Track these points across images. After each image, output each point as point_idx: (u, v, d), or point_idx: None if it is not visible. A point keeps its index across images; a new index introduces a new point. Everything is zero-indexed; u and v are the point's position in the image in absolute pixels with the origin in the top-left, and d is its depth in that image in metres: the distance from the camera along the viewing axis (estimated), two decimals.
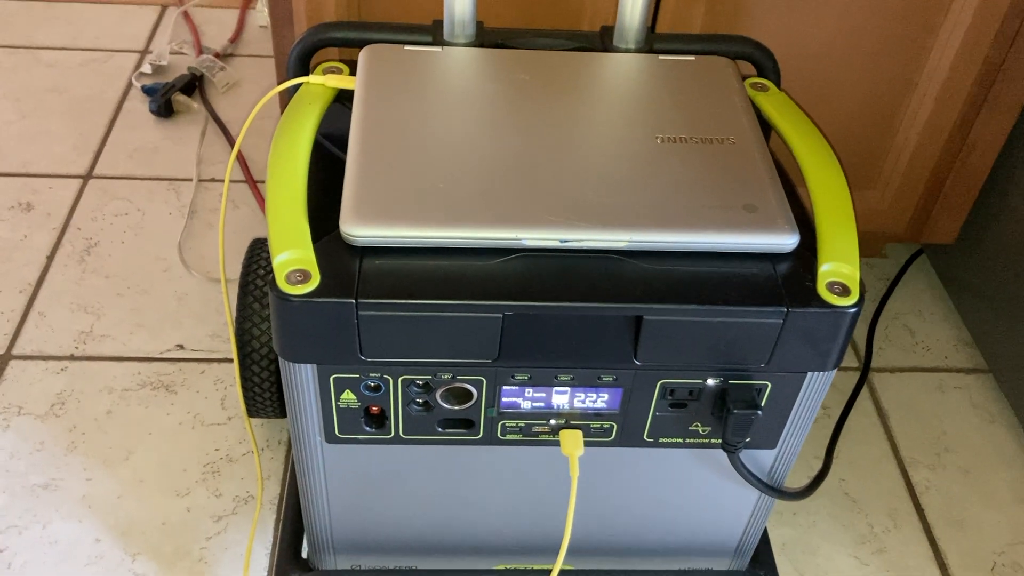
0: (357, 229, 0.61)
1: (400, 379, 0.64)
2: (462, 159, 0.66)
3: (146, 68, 1.49)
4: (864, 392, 1.11)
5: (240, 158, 1.35)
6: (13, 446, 0.98)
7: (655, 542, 0.80)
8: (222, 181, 1.32)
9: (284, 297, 0.59)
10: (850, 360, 1.15)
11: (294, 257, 0.61)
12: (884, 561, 0.96)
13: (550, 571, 0.72)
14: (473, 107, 0.71)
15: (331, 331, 0.61)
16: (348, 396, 0.65)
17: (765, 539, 0.87)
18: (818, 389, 0.67)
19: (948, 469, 1.04)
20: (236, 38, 1.59)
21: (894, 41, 0.98)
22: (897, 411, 1.10)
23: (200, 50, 1.54)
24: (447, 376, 0.65)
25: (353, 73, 0.75)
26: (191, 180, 1.32)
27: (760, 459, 0.73)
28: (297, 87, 0.74)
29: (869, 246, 1.25)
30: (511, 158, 0.66)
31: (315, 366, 0.63)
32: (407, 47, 0.76)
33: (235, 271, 1.18)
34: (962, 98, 1.02)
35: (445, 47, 0.76)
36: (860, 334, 1.18)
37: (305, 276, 0.60)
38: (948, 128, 1.05)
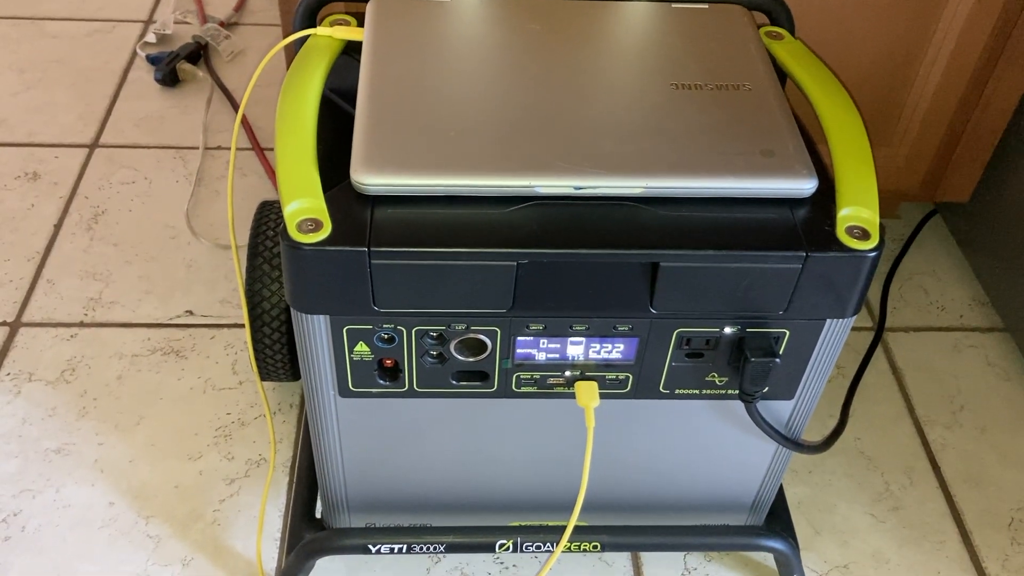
0: (368, 177, 0.60)
1: (414, 330, 0.64)
2: (474, 108, 0.65)
3: (150, 37, 1.48)
4: (879, 352, 1.11)
5: (247, 125, 1.34)
6: (25, 412, 0.98)
7: (671, 497, 0.80)
8: (228, 149, 1.31)
9: (295, 246, 0.58)
10: (864, 320, 1.14)
11: (305, 206, 0.60)
12: (901, 518, 0.95)
13: (564, 527, 0.71)
14: (484, 56, 0.69)
15: (343, 280, 0.60)
16: (362, 348, 0.65)
17: (781, 496, 0.87)
18: (837, 337, 0.66)
19: (964, 427, 1.04)
20: (240, 6, 1.57)
21: None
22: (912, 370, 1.09)
23: (204, 19, 1.52)
24: (461, 327, 0.64)
25: (361, 25, 0.74)
26: (197, 148, 1.31)
27: (777, 411, 0.72)
28: (304, 43, 0.73)
29: (883, 206, 1.23)
30: (523, 106, 0.65)
31: (328, 317, 0.63)
32: None
33: (243, 238, 1.17)
34: (977, 53, 1.01)
35: None
36: (874, 294, 1.17)
37: (316, 225, 0.59)
38: (963, 84, 1.03)
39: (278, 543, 0.89)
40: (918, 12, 0.98)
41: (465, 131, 0.63)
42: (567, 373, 0.67)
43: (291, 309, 0.63)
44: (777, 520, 0.85)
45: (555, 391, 0.69)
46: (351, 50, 0.73)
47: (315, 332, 0.64)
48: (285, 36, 0.99)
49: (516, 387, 0.68)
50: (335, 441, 0.73)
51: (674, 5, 0.75)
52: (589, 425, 0.67)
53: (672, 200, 0.62)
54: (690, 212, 0.62)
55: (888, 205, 1.25)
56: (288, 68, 0.70)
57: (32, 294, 1.10)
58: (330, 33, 0.72)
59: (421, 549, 0.81)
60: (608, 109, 0.65)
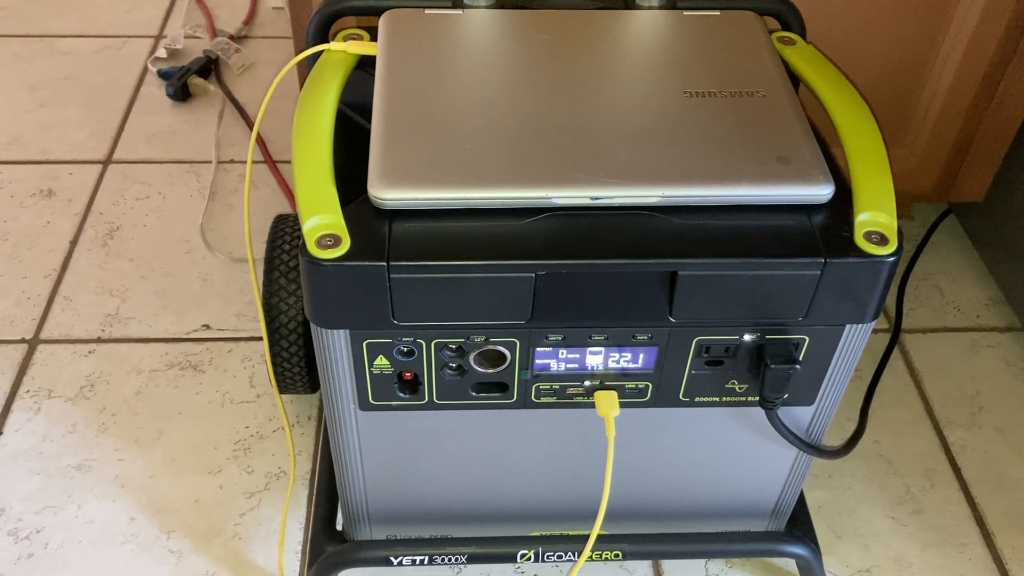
0: (386, 192, 0.60)
1: (433, 343, 0.64)
2: (488, 120, 0.65)
3: (161, 52, 1.49)
4: (896, 354, 1.10)
5: (259, 138, 1.34)
6: (45, 429, 0.99)
7: (692, 504, 0.80)
8: (241, 162, 1.32)
9: (315, 262, 0.59)
10: (880, 322, 1.14)
11: (324, 222, 0.60)
12: (922, 521, 0.95)
13: (586, 536, 0.71)
14: (497, 68, 0.70)
15: (363, 295, 0.60)
16: (381, 362, 0.65)
17: (802, 501, 0.87)
18: (856, 342, 0.66)
19: (983, 428, 1.03)
20: (250, 20, 1.58)
21: None
22: (930, 371, 1.09)
23: (214, 33, 1.53)
24: (480, 339, 0.64)
25: (374, 39, 0.74)
26: (210, 162, 1.31)
27: (798, 416, 0.72)
28: (317, 58, 0.73)
29: (896, 206, 1.23)
30: (538, 117, 0.65)
31: (348, 332, 0.63)
32: (427, 11, 0.75)
33: (258, 251, 1.17)
34: (990, 51, 1.00)
35: (465, 9, 0.75)
36: (890, 295, 1.17)
37: (335, 240, 0.59)
38: (976, 83, 1.03)
39: (299, 556, 0.90)
40: (929, 12, 0.98)
41: (480, 143, 0.63)
42: (587, 383, 0.68)
43: (311, 324, 0.63)
44: (798, 525, 0.85)
45: (575, 401, 0.69)
46: (365, 64, 0.73)
47: (335, 347, 0.64)
48: (297, 49, 0.99)
49: (536, 398, 0.68)
50: (355, 454, 0.73)
51: (685, 12, 0.75)
52: (610, 435, 0.67)
53: (689, 208, 0.62)
54: (707, 220, 0.62)
55: (902, 206, 1.24)
56: (301, 82, 0.71)
57: (49, 311, 1.11)
58: (344, 48, 0.73)
59: (442, 560, 0.81)
60: (622, 118, 0.66)
